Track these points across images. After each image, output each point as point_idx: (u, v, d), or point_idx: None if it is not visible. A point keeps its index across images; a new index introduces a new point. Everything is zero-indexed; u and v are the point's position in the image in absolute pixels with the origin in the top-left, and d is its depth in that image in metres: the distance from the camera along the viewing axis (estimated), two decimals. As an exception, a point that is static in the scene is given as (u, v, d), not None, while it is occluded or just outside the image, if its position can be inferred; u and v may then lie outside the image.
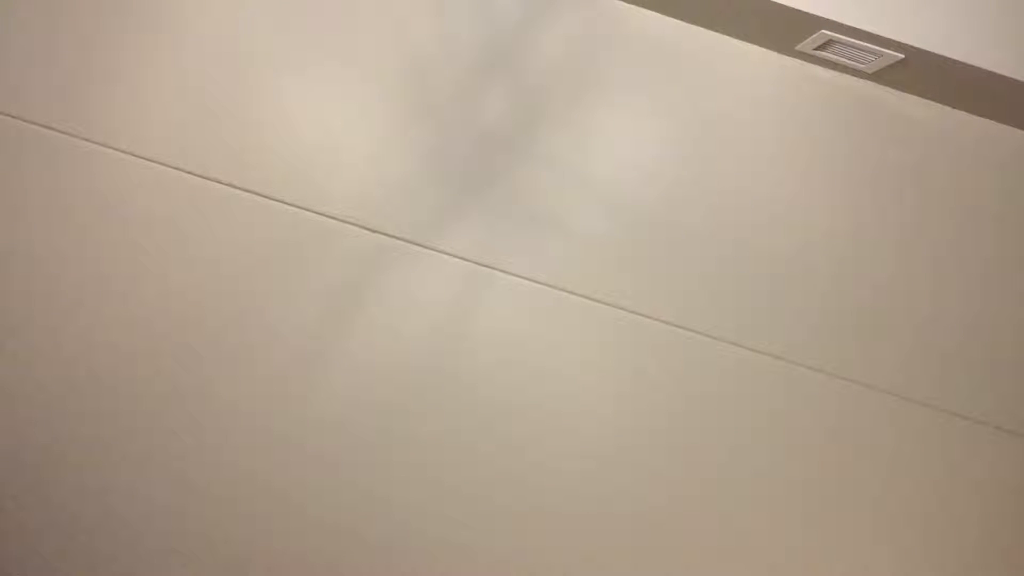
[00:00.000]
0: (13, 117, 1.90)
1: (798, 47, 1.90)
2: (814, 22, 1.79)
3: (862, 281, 1.99)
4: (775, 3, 1.76)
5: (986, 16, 1.80)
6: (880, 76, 1.93)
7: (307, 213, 1.93)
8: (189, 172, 1.92)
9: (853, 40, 1.81)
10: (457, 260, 1.94)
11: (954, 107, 1.98)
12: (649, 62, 1.97)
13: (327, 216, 1.93)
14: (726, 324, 1.98)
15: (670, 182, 1.97)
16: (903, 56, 1.80)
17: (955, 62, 1.79)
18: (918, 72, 1.87)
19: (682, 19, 1.95)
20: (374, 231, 1.93)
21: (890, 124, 1.99)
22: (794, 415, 1.99)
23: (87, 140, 1.91)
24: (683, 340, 1.97)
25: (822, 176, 1.98)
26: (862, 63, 1.89)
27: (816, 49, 1.88)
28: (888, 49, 1.80)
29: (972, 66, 1.79)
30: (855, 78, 1.97)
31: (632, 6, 1.95)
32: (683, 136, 1.97)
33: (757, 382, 1.98)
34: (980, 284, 2.01)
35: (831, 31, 1.80)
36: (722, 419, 1.99)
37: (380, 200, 1.93)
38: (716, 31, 1.96)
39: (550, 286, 1.95)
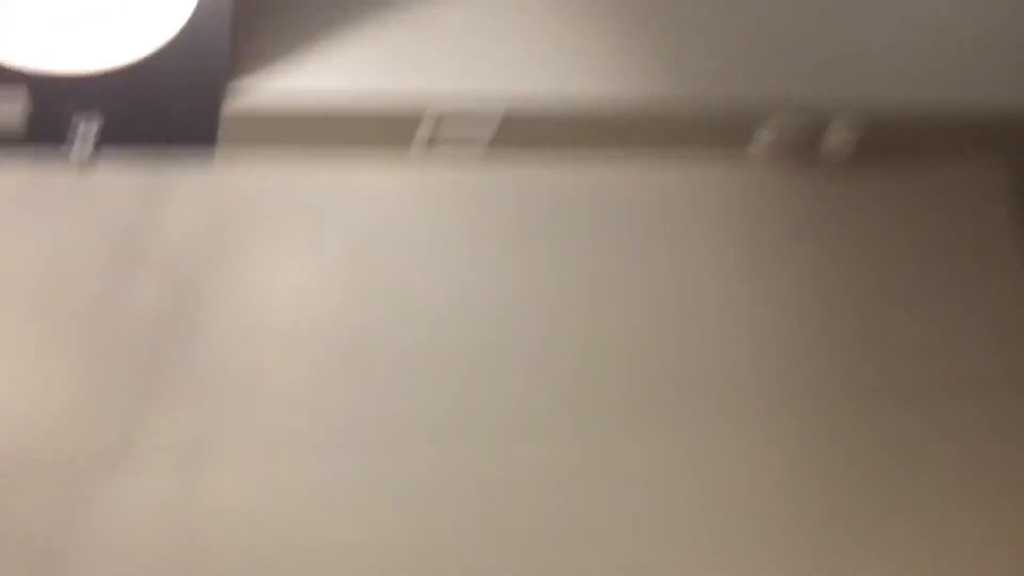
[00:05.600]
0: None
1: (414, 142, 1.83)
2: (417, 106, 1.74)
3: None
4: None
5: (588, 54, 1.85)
6: (497, 142, 1.87)
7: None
8: None
9: (460, 109, 1.75)
10: (167, 453, 1.68)
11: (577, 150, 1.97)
12: (286, 213, 1.90)
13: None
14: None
15: (344, 315, 1.87)
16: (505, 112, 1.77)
17: (563, 108, 1.80)
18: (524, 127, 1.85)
19: (306, 162, 1.86)
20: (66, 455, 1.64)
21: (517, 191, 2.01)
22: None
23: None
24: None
25: (502, 269, 1.97)
26: (476, 134, 1.84)
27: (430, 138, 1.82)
28: (492, 110, 1.77)
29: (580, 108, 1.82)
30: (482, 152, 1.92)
31: (239, 169, 1.85)
32: (340, 265, 1.89)
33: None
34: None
35: (436, 110, 1.74)
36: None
37: (55, 425, 1.66)
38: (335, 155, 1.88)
39: (274, 448, 1.74)
